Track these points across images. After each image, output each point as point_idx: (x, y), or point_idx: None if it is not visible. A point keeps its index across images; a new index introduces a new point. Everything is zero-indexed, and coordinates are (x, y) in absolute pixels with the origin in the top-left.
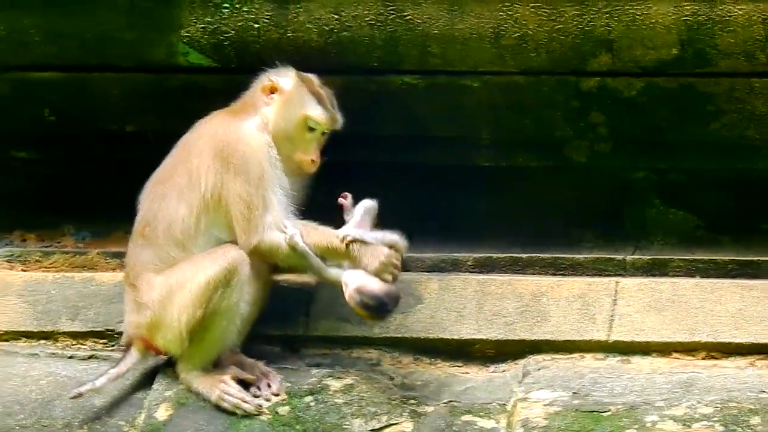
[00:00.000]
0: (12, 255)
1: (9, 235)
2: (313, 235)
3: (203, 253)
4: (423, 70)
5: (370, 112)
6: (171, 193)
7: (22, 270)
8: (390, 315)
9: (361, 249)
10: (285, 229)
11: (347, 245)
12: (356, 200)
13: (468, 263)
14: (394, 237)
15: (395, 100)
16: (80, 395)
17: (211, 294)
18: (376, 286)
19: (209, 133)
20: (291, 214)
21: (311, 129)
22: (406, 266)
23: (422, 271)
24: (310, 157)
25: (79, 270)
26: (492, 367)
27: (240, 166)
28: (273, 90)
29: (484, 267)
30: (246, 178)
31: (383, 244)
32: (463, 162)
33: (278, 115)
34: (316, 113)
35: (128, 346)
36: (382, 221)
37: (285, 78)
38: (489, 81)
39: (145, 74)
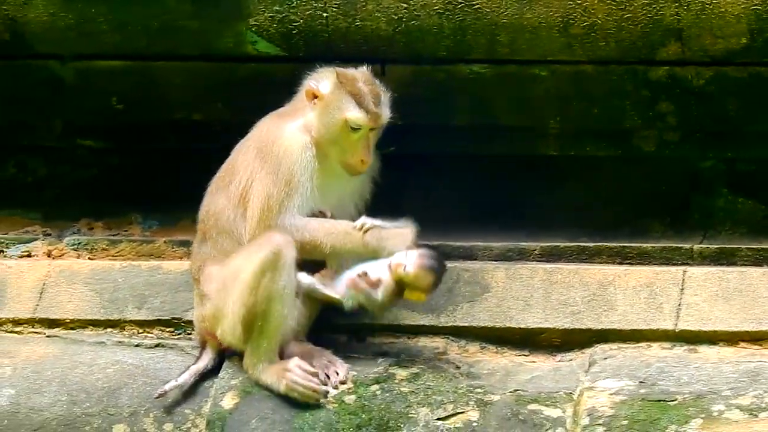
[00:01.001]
0: (79, 243)
1: (76, 223)
2: (327, 225)
3: (251, 242)
4: (491, 60)
5: (438, 101)
6: (219, 188)
7: (89, 258)
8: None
9: (383, 233)
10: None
11: (365, 232)
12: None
13: (535, 252)
14: (405, 224)
15: (463, 89)
16: (166, 393)
17: (260, 279)
18: (419, 250)
19: (256, 134)
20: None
21: (355, 129)
22: (473, 255)
23: (489, 260)
24: (359, 157)
25: (145, 258)
26: (558, 356)
27: (272, 166)
28: (315, 95)
29: (551, 256)
30: (274, 179)
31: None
32: (530, 152)
33: (320, 121)
34: (355, 115)
35: (203, 342)
36: (451, 211)
37: (324, 82)
38: (557, 70)
39: (211, 63)
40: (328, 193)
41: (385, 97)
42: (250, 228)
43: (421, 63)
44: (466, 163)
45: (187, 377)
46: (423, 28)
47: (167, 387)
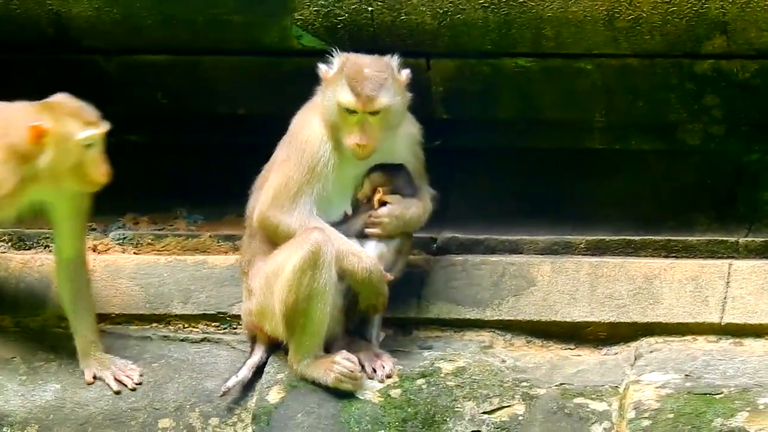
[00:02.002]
0: (124, 238)
1: (121, 218)
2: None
3: (291, 240)
4: (537, 53)
5: (484, 95)
6: (261, 184)
7: (135, 253)
8: None
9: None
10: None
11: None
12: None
13: (581, 246)
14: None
15: (509, 83)
16: (229, 390)
17: (300, 278)
18: None
19: (290, 127)
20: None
21: (351, 112)
22: (519, 249)
23: (535, 254)
24: (353, 141)
25: (191, 253)
26: (604, 350)
27: (295, 154)
28: (325, 78)
29: (597, 249)
30: (297, 165)
31: None
32: (575, 145)
33: (323, 103)
34: (346, 98)
35: (252, 336)
36: (496, 205)
37: (332, 65)
38: (603, 64)
39: (256, 57)
40: (347, 182)
41: (392, 83)
42: (261, 204)
43: (467, 57)
44: (512, 157)
45: (246, 372)
46: (468, 22)
47: (230, 384)
